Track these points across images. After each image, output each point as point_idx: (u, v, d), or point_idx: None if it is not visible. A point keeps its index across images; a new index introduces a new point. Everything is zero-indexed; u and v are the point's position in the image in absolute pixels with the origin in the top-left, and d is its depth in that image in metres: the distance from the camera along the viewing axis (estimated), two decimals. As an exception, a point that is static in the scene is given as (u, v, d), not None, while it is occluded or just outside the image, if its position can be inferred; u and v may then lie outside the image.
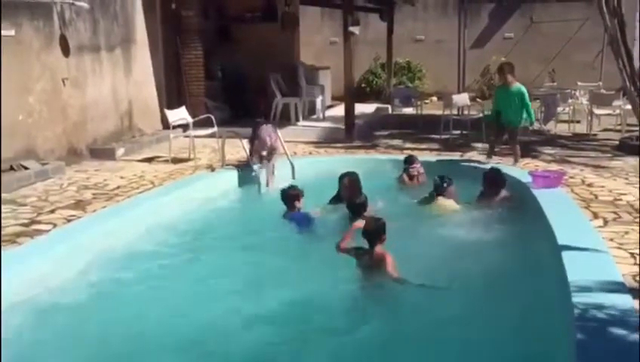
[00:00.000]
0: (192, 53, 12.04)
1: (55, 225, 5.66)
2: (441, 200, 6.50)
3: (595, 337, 3.10)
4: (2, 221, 5.68)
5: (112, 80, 10.36)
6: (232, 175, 7.60)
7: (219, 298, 4.52)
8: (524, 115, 8.55)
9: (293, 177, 7.80)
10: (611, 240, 4.82)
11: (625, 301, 3.52)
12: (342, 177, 6.45)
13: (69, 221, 5.81)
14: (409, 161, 7.88)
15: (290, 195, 6.27)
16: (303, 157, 9.32)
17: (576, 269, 3.97)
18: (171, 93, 11.99)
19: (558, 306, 3.75)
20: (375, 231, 4.80)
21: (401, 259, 4.64)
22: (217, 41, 13.18)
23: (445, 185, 6.57)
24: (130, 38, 10.87)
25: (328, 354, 3.80)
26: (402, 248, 4.91)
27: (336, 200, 6.47)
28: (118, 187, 7.21)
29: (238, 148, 9.63)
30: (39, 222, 5.81)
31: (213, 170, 7.87)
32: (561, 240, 4.58)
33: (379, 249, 4.79)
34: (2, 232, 5.37)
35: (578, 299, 3.50)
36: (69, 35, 9.22)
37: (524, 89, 8.64)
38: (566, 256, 4.24)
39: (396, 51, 17.34)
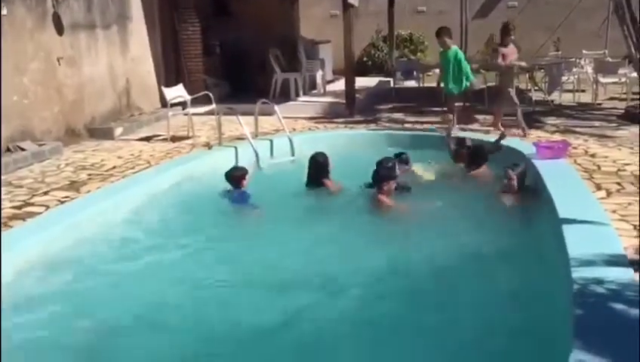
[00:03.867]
0: (189, 29, 11.88)
1: (48, 207, 5.59)
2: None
3: (594, 312, 3.01)
4: (-3, 203, 5.62)
5: (109, 58, 10.22)
6: (229, 153, 7.47)
7: (215, 278, 4.45)
8: (465, 80, 8.55)
9: (292, 154, 7.69)
10: (614, 211, 4.70)
11: (626, 274, 3.42)
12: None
13: (62, 203, 5.74)
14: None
15: (235, 176, 6.27)
16: (302, 133, 9.18)
17: (577, 242, 3.86)
18: (169, 71, 11.86)
19: (557, 281, 3.65)
20: (381, 175, 5.52)
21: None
22: (215, 16, 12.96)
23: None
24: (126, 15, 10.70)
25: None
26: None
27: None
28: (114, 167, 7.12)
29: (237, 125, 9.53)
30: (32, 204, 5.75)
31: (210, 148, 7.76)
32: (563, 212, 4.46)
33: (382, 197, 5.36)
34: (-4, 214, 5.31)
35: (578, 273, 3.39)
36: (63, 13, 9.07)
37: (459, 51, 8.65)
38: (567, 228, 4.12)
39: (398, 23, 17.06)
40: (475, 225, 4.97)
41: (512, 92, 8.70)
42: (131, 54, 10.82)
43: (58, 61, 9.03)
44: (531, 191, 5.49)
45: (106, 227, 5.27)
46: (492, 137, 7.67)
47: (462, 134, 8.32)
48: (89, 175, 6.80)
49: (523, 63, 9.10)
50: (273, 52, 12.33)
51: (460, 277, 4.18)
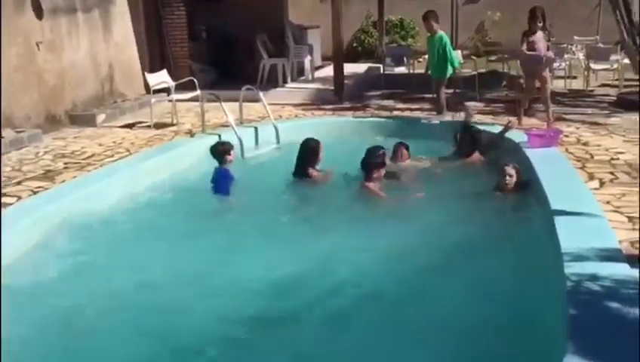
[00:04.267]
0: (174, 13, 11.60)
1: (20, 198, 5.37)
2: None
3: (589, 311, 2.86)
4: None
5: (90, 43, 9.94)
6: (213, 140, 7.24)
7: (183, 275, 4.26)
8: (449, 66, 8.37)
9: (278, 141, 7.49)
10: (608, 203, 4.55)
11: (622, 270, 3.26)
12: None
13: (34, 193, 5.51)
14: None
15: (219, 150, 6.10)
16: (288, 120, 8.97)
17: (571, 236, 3.70)
18: (154, 56, 11.58)
19: (550, 277, 3.49)
20: (370, 163, 5.50)
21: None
22: (201, 0, 12.64)
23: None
24: (108, -1, 10.41)
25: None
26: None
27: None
28: (92, 155, 6.89)
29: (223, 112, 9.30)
30: (5, 195, 5.52)
31: (192, 135, 7.54)
32: (555, 204, 4.30)
33: (370, 185, 5.28)
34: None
35: (572, 269, 3.24)
36: None
37: (445, 36, 8.43)
38: (559, 221, 3.97)
39: (389, 9, 16.81)
40: (464, 218, 4.80)
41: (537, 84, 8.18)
42: (114, 39, 10.54)
43: (37, 46, 8.75)
44: (524, 184, 5.29)
45: (77, 218, 5.02)
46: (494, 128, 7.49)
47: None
48: (66, 163, 6.57)
49: (550, 54, 8.22)
50: (261, 37, 12.07)
51: (446, 273, 4.01)
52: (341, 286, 3.99)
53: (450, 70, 8.42)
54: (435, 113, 8.67)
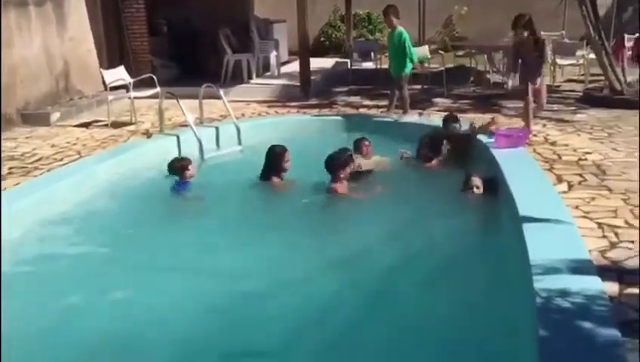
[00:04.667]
0: (133, 6, 11.21)
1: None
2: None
3: (560, 332, 2.68)
4: None
5: (43, 37, 9.49)
6: (171, 141, 6.94)
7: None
8: (408, 61, 8.16)
9: (239, 142, 7.20)
10: (576, 207, 4.38)
11: (593, 284, 3.09)
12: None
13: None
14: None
15: (176, 167, 5.99)
16: (251, 119, 8.67)
17: (540, 245, 3.51)
18: (113, 51, 11.17)
19: (518, 292, 3.30)
20: (336, 163, 5.40)
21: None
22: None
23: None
24: (62, -8, 9.95)
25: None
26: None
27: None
28: (40, 159, 6.51)
29: (185, 109, 8.97)
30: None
31: (149, 136, 7.20)
32: (523, 209, 4.11)
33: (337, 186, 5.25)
34: None
35: (541, 283, 3.05)
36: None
37: (404, 32, 8.21)
38: (528, 228, 3.78)
39: (356, 2, 16.58)
40: (428, 222, 4.59)
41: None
42: (69, 34, 10.09)
43: (-15, 41, 8.30)
44: (490, 184, 5.11)
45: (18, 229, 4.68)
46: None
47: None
48: (10, 169, 6.14)
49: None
50: (224, 32, 11.72)
51: (407, 284, 3.79)
52: (290, 294, 3.79)
53: (409, 66, 8.20)
54: (401, 111, 8.48)
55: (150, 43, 11.41)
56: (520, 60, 6.99)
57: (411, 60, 8.15)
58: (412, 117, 8.35)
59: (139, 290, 3.96)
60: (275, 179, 5.66)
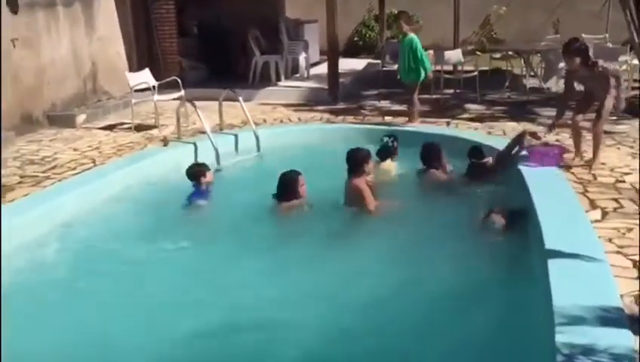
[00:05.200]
0: (163, 7, 11.10)
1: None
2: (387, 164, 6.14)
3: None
4: None
5: (71, 38, 9.48)
6: (188, 149, 6.78)
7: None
8: (421, 69, 7.84)
9: (258, 150, 7.00)
10: (610, 241, 4.01)
11: (622, 339, 2.76)
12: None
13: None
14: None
15: (193, 173, 5.84)
16: (272, 126, 8.43)
17: (566, 288, 3.18)
18: (142, 52, 11.10)
19: (536, 347, 2.98)
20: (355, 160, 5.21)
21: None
22: (192, -7, 12.14)
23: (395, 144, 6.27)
24: (92, -7, 9.92)
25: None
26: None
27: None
28: (55, 167, 6.42)
29: (211, 113, 8.84)
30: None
31: (166, 144, 7.05)
32: (550, 242, 3.77)
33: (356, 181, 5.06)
34: None
35: (563, 336, 2.75)
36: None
37: (415, 39, 7.88)
38: (554, 266, 3.45)
39: (390, 2, 16.24)
40: (442, 259, 4.23)
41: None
42: (98, 34, 10.06)
43: (13, 43, 8.29)
44: (515, 217, 4.73)
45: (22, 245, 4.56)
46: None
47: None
48: (22, 178, 6.02)
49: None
50: (253, 33, 11.56)
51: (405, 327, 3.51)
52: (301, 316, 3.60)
53: (422, 75, 7.89)
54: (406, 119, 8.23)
55: (179, 44, 11.31)
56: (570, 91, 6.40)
57: (424, 69, 7.83)
58: (418, 125, 8.07)
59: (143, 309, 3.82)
60: (290, 203, 5.32)
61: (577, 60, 5.89)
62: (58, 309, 3.85)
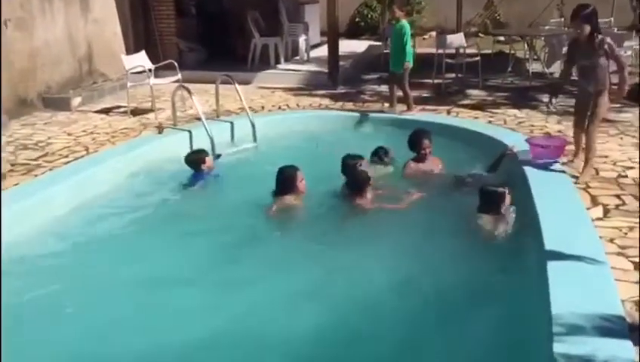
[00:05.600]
0: (160, -14, 10.87)
1: None
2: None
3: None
4: None
5: (66, 19, 9.30)
6: (183, 137, 6.64)
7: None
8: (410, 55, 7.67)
9: (255, 139, 6.87)
10: (611, 241, 3.89)
11: (622, 350, 2.67)
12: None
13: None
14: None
15: (192, 160, 5.87)
16: (269, 113, 8.24)
17: (565, 294, 3.10)
18: (139, 33, 10.92)
19: (536, 355, 2.89)
20: (360, 180, 5.06)
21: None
22: (191, -28, 11.90)
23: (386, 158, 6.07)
24: (87, -28, 9.72)
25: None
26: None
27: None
28: (47, 154, 6.29)
29: (207, 96, 8.71)
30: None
31: (161, 131, 6.92)
32: (550, 243, 3.68)
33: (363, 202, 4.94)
34: None
35: (561, 346, 2.65)
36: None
37: (406, 26, 7.72)
38: (553, 269, 3.36)
39: (393, -18, 15.98)
40: (438, 257, 4.12)
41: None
42: (93, 15, 9.88)
43: (5, 24, 8.13)
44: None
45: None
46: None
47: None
48: (12, 165, 5.87)
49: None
50: (252, 14, 11.35)
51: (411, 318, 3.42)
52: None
53: (410, 59, 7.71)
54: (405, 108, 8.05)
55: (177, 25, 11.12)
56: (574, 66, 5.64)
57: (405, 58, 7.64)
58: (416, 113, 7.91)
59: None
60: (289, 198, 5.10)
61: (587, 29, 5.17)
62: (48, 308, 3.76)
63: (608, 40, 5.33)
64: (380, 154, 6.00)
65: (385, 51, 12.71)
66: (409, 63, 7.74)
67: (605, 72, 5.35)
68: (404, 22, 7.77)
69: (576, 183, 5.06)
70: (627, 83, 5.49)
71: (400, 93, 8.07)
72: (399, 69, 7.81)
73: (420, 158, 5.84)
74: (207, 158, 5.90)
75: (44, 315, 3.69)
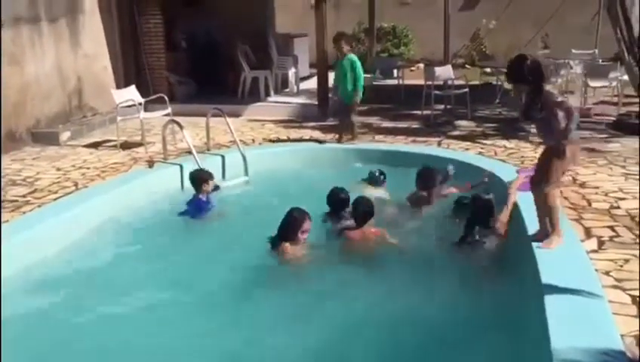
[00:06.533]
0: (150, 21, 10.99)
1: None
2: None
3: None
4: None
5: (56, 54, 9.33)
6: (173, 172, 6.60)
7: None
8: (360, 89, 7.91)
9: (246, 173, 6.85)
10: (607, 274, 3.88)
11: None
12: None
13: None
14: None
15: (197, 178, 6.01)
16: (260, 146, 8.24)
17: (563, 328, 3.06)
18: (129, 67, 10.96)
19: None
20: (364, 212, 4.98)
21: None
22: (181, 7, 11.99)
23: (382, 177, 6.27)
24: (77, 7, 9.79)
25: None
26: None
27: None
28: (35, 190, 6.22)
29: (200, 130, 8.66)
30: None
31: (151, 166, 6.88)
32: (546, 276, 3.66)
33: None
34: None
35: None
36: (2, 5, 8.17)
37: (356, 59, 7.99)
38: (550, 303, 3.33)
39: (381, 16, 16.23)
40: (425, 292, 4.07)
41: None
42: (84, 50, 9.92)
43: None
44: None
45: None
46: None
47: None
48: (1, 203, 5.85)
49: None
50: (242, 48, 11.45)
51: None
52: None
53: (361, 91, 7.96)
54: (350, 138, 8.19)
55: (167, 59, 11.18)
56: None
57: (356, 86, 7.88)
58: (361, 143, 8.15)
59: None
60: (287, 248, 4.74)
61: (525, 88, 4.15)
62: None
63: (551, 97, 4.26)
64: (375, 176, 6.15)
65: (375, 84, 12.84)
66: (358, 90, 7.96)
67: (559, 125, 4.12)
68: (353, 55, 8.03)
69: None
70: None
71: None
72: (350, 101, 8.01)
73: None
74: (210, 182, 6.00)
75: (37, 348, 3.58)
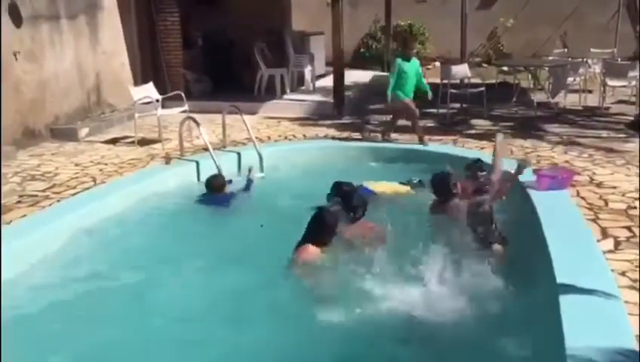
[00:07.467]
0: (167, 19, 11.04)
1: None
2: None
3: None
4: None
5: (75, 51, 9.42)
6: (190, 168, 6.66)
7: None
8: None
9: (262, 170, 6.89)
10: (623, 274, 3.86)
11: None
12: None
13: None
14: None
15: (213, 186, 6.11)
16: (276, 143, 8.26)
17: (578, 328, 3.06)
18: (146, 64, 11.04)
19: None
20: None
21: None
22: (197, 5, 12.07)
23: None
24: (96, 4, 9.88)
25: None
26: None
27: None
28: (53, 186, 6.31)
29: (214, 126, 8.71)
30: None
31: (168, 162, 6.95)
32: (561, 276, 3.65)
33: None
34: None
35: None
36: (21, 3, 8.28)
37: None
38: (565, 303, 3.32)
39: (397, 13, 16.17)
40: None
41: None
42: (102, 47, 10.01)
43: (15, 56, 8.23)
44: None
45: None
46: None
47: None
48: (21, 197, 5.92)
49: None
50: (259, 46, 11.49)
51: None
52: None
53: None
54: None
55: (184, 56, 11.24)
56: None
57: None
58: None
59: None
60: (311, 248, 4.49)
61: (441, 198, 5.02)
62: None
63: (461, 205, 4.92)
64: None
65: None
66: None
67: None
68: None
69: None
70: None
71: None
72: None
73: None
74: (226, 187, 6.18)
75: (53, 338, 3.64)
